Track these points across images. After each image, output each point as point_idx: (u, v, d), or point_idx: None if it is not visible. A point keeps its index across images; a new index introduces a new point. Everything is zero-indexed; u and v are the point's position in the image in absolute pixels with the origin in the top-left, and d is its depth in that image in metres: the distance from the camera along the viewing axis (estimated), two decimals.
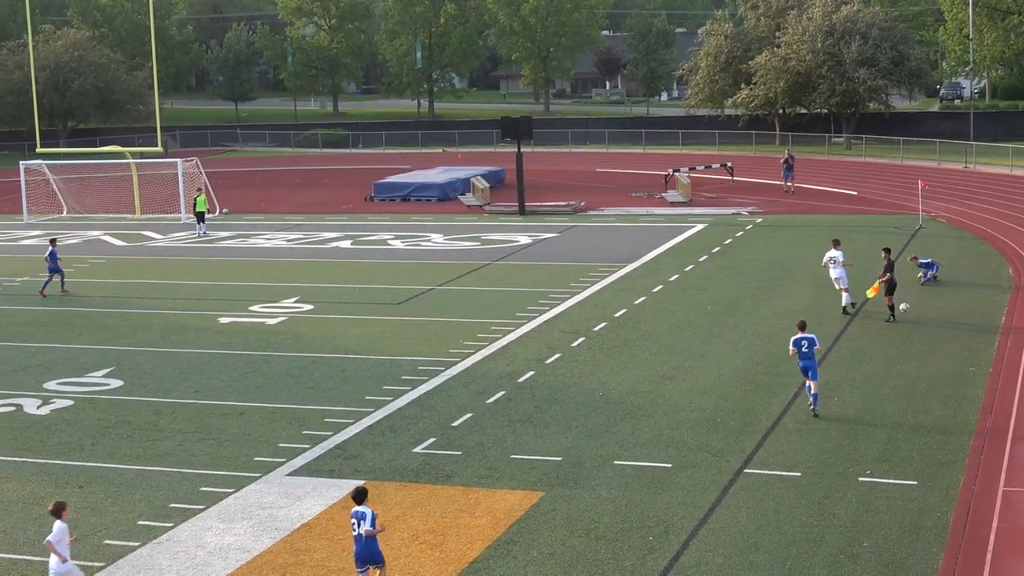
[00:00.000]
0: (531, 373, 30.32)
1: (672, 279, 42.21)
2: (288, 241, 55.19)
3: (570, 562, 19.21)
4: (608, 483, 22.47)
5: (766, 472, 22.77)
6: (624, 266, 45.11)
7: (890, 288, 34.56)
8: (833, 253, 36.34)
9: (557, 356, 31.92)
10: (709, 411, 26.73)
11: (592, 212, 61.68)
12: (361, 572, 17.98)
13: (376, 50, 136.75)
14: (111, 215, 67.43)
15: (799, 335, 26.88)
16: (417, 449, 24.78)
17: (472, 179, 69.06)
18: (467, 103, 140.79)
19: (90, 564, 19.69)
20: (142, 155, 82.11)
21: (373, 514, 17.80)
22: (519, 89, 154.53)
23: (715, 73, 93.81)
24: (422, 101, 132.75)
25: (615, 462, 23.61)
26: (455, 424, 26.33)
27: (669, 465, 23.33)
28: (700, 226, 55.08)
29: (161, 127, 73.40)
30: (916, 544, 19.41)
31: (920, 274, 40.05)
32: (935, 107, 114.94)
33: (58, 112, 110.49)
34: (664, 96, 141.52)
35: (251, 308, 39.73)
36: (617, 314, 36.83)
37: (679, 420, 26.14)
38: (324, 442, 25.45)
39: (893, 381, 28.61)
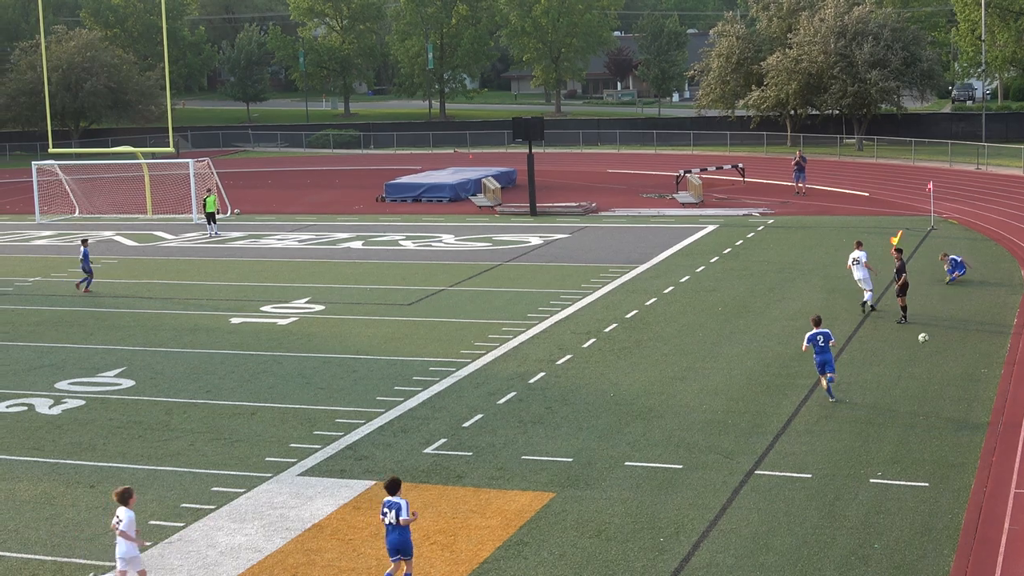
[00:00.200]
0: (542, 374, 30.32)
1: (683, 280, 42.18)
2: (299, 242, 55.25)
3: (581, 563, 19.21)
4: (619, 484, 22.46)
5: (777, 473, 22.75)
6: (635, 267, 45.09)
7: (903, 289, 34.50)
8: (857, 254, 36.23)
9: (568, 357, 31.92)
10: (720, 412, 26.71)
11: (603, 213, 61.67)
12: (394, 561, 18.14)
13: (387, 51, 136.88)
14: (123, 215, 67.59)
15: (814, 331, 27.32)
16: (428, 450, 24.80)
17: (483, 180, 69.10)
18: (478, 104, 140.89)
19: (102, 564, 19.74)
20: (154, 155, 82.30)
21: (407, 503, 17.98)
22: (530, 90, 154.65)
23: (727, 74, 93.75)
24: (433, 102, 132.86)
25: (626, 463, 23.60)
26: (466, 425, 26.34)
27: (680, 466, 23.32)
28: (711, 227, 55.04)
29: (173, 128, 73.53)
30: (927, 546, 19.37)
31: (948, 272, 40.15)
32: (947, 108, 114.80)
33: (70, 112, 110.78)
34: (675, 97, 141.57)
35: (262, 308, 39.78)
36: (628, 315, 36.82)
37: (690, 421, 26.13)
38: (335, 442, 25.47)
39: (904, 383, 28.57)
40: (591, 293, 40.40)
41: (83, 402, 29.18)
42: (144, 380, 31.06)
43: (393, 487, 18.15)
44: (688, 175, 67.82)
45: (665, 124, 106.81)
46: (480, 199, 67.38)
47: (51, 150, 72.73)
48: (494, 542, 20.05)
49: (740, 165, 73.32)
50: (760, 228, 54.37)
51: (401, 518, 17.81)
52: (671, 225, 56.45)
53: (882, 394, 27.71)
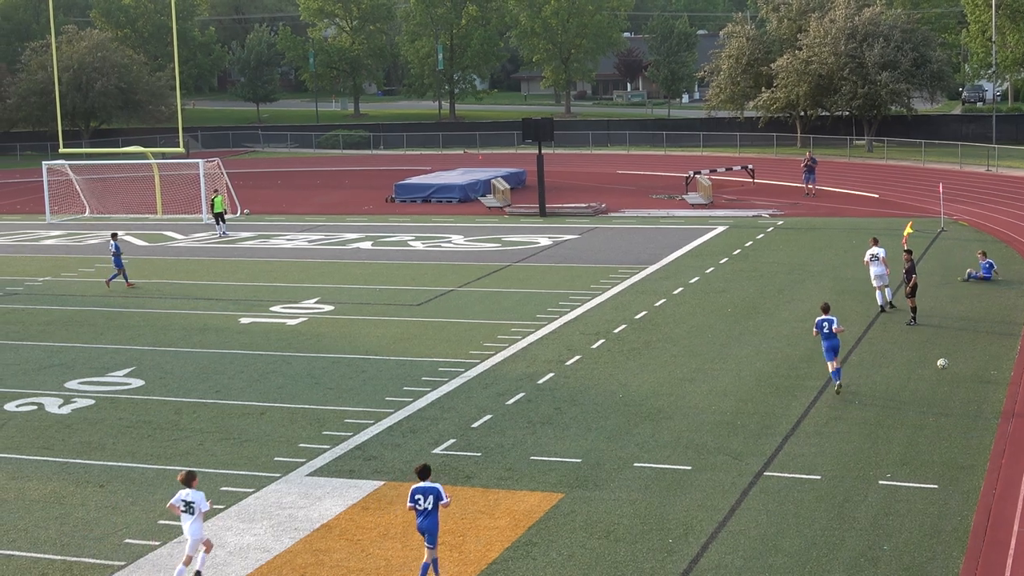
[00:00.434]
0: (551, 375, 30.32)
1: (692, 281, 42.16)
2: (309, 242, 55.30)
3: (589, 564, 19.20)
4: (628, 485, 22.46)
5: (786, 475, 22.73)
6: (644, 268, 45.08)
7: (912, 291, 34.46)
8: (875, 250, 36.20)
9: (577, 358, 31.92)
10: (729, 414, 26.69)
11: (613, 214, 61.65)
12: (429, 548, 18.40)
13: (397, 51, 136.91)
14: (133, 215, 67.69)
15: (821, 317, 28.13)
16: (437, 450, 24.80)
17: (493, 180, 69.11)
18: (488, 105, 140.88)
19: (111, 563, 19.77)
20: (164, 156, 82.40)
21: (442, 488, 18.46)
22: (540, 91, 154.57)
23: (736, 75, 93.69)
24: (443, 102, 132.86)
25: (635, 464, 23.59)
26: (475, 425, 26.35)
27: (689, 467, 23.31)
28: (721, 228, 55.01)
29: (183, 128, 73.63)
30: (936, 548, 19.35)
31: (981, 268, 40.41)
32: (957, 110, 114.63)
33: (81, 113, 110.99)
34: (685, 98, 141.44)
35: (272, 308, 39.83)
36: (637, 316, 36.81)
37: (699, 422, 26.11)
38: (344, 443, 25.49)
39: (914, 384, 28.54)
40: (600, 294, 40.40)
41: (93, 401, 29.23)
42: (153, 380, 31.10)
43: (425, 473, 18.54)
44: (698, 176, 67.78)
45: (675, 125, 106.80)
46: (490, 200, 67.39)
47: (61, 150, 72.83)
48: (503, 543, 20.05)
49: (750, 166, 73.26)
50: (770, 229, 54.33)
51: (442, 502, 18.25)
52: (681, 226, 56.42)
53: (891, 396, 27.68)
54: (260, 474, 23.71)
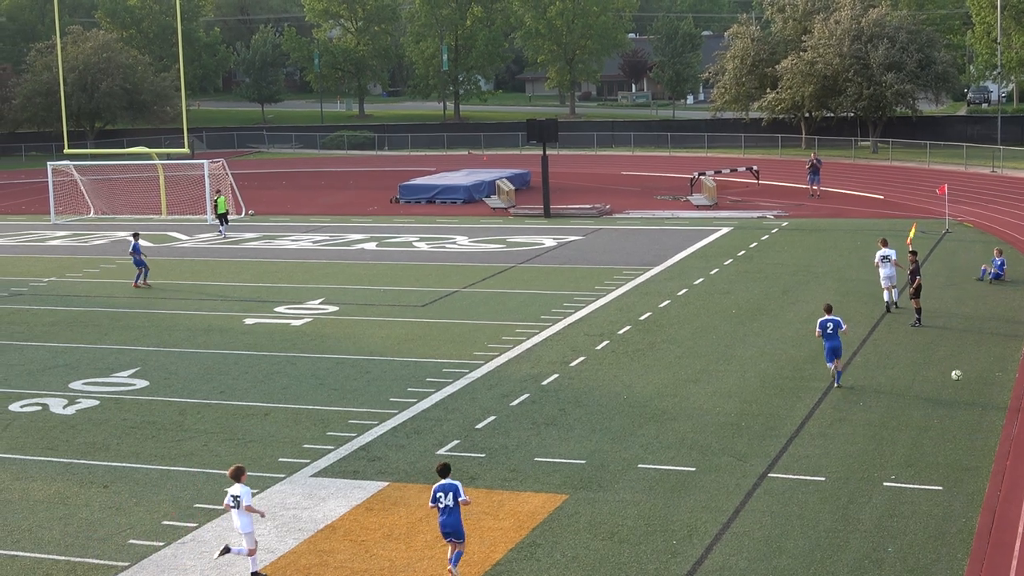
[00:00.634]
0: (555, 376, 30.31)
1: (697, 282, 42.15)
2: (313, 243, 55.32)
3: (593, 565, 19.19)
4: (632, 486, 22.45)
5: (790, 476, 22.71)
6: (649, 269, 45.06)
7: (917, 292, 34.43)
8: (887, 251, 36.32)
9: (581, 359, 31.91)
10: (733, 415, 26.68)
11: (617, 215, 61.64)
12: (450, 542, 18.71)
13: (402, 52, 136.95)
14: (138, 216, 67.71)
15: (825, 317, 28.50)
16: (441, 451, 24.79)
17: (497, 181, 69.11)
18: (493, 105, 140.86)
19: (115, 564, 19.78)
20: (169, 156, 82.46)
21: (461, 485, 18.81)
22: (545, 92, 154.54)
23: (741, 76, 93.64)
24: (448, 103, 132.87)
25: (639, 465, 23.58)
26: (479, 426, 26.34)
27: (693, 469, 23.30)
28: (725, 229, 54.98)
29: (188, 129, 73.69)
30: (941, 550, 19.32)
31: (994, 265, 40.55)
32: (962, 111, 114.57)
33: (86, 113, 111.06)
34: (690, 99, 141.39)
35: (276, 309, 39.84)
36: (642, 317, 36.80)
37: (703, 424, 26.10)
38: (348, 443, 25.49)
39: (919, 386, 28.51)
40: (605, 295, 40.38)
41: (97, 402, 29.25)
42: (158, 380, 31.12)
43: (445, 471, 18.93)
44: (702, 177, 67.76)
45: (679, 126, 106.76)
46: (494, 201, 67.39)
47: (66, 151, 72.90)
48: (507, 544, 20.04)
49: (754, 167, 73.22)
50: (774, 230, 54.30)
51: (460, 499, 18.54)
52: (685, 227, 56.40)
53: (896, 397, 27.65)
54: (264, 475, 23.70)
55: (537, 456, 24.28)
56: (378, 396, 29.02)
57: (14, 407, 29.07)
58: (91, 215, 68.86)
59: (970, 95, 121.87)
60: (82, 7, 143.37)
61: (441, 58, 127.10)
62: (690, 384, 29.27)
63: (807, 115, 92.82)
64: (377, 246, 53.40)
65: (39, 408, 28.94)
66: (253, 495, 19.44)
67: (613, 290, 41.21)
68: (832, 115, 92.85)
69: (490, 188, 70.07)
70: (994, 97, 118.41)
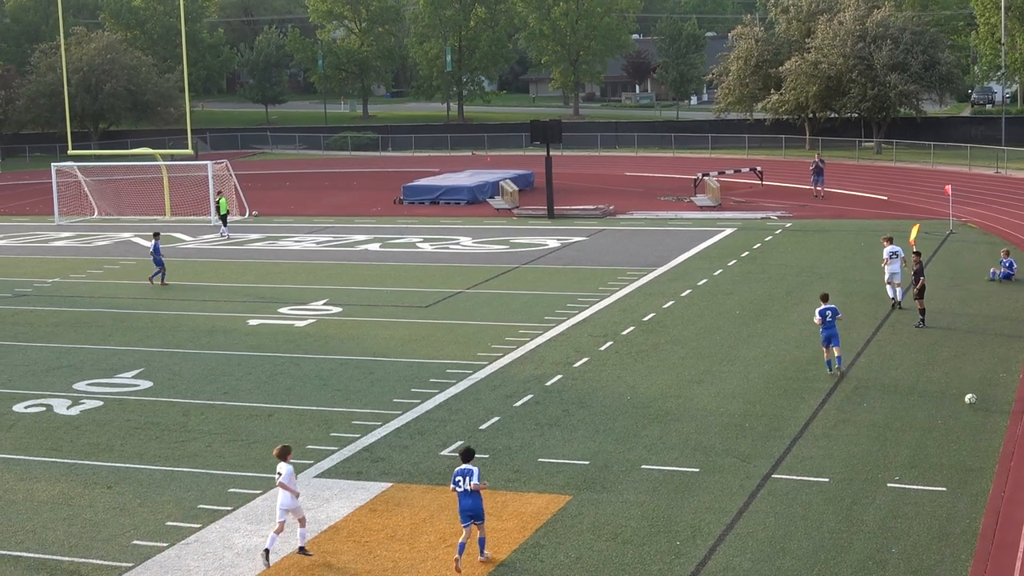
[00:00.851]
0: (559, 377, 30.31)
1: (701, 283, 42.13)
2: (317, 243, 55.34)
3: (597, 566, 19.19)
4: (635, 487, 22.44)
5: (794, 477, 22.70)
6: (653, 270, 45.05)
7: (920, 292, 34.42)
8: (895, 248, 36.51)
9: (585, 360, 31.90)
10: (737, 416, 26.67)
11: (621, 216, 61.62)
12: (465, 527, 19.27)
13: (406, 53, 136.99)
14: (141, 217, 67.75)
15: (823, 306, 29.48)
16: (445, 452, 24.80)
17: (501, 182, 69.11)
18: (496, 106, 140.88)
19: (118, 564, 19.79)
20: (172, 157, 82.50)
21: (479, 471, 19.44)
22: (548, 92, 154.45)
23: (745, 77, 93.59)
24: (451, 104, 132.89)
25: (642, 466, 23.58)
26: (483, 427, 26.34)
27: (696, 470, 23.29)
28: (729, 230, 54.96)
29: (192, 130, 73.68)
30: (945, 551, 19.31)
31: (1002, 266, 40.60)
32: (966, 112, 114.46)
33: (90, 114, 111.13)
34: (694, 100, 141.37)
35: (280, 310, 39.85)
36: (645, 318, 36.79)
37: (707, 425, 26.09)
38: (352, 444, 25.50)
39: (922, 387, 28.49)
40: (608, 296, 40.38)
41: (101, 403, 29.27)
42: (162, 381, 31.13)
43: (468, 455, 19.64)
44: (706, 178, 67.74)
45: (683, 127, 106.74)
46: (498, 202, 67.39)
47: (70, 152, 72.88)
48: (510, 544, 20.04)
49: (758, 168, 73.17)
50: (778, 231, 54.28)
51: (472, 483, 19.17)
52: (689, 228, 56.39)
53: (900, 398, 27.63)
54: (268, 475, 23.67)
55: (541, 457, 24.29)
56: (382, 397, 29.03)
57: (18, 408, 29.10)
58: (95, 216, 68.90)
59: (974, 96, 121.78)
60: (86, 8, 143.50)
61: (445, 59, 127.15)
62: (694, 385, 29.27)
63: (811, 116, 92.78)
64: (381, 247, 53.41)
65: (43, 409, 28.97)
66: (294, 472, 20.21)
67: (617, 291, 41.20)
68: (836, 116, 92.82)
69: (494, 189, 70.07)
70: (998, 98, 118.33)
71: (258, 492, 22.78)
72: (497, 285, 43.16)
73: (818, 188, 67.04)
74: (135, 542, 20.68)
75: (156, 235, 46.52)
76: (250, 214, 66.22)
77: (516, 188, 67.69)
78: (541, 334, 34.95)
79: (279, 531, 19.82)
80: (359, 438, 25.89)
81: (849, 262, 45.35)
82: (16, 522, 21.76)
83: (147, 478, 23.88)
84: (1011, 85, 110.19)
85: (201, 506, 22.20)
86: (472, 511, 19.22)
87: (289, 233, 59.14)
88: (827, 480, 22.48)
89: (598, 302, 39.39)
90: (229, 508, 22.04)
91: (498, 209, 65.77)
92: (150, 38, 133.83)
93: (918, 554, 19.21)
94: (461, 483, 19.28)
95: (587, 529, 20.58)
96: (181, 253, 54.03)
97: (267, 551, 19.62)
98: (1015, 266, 41.07)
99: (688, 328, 35.31)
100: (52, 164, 70.77)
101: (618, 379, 29.97)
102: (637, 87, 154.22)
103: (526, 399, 28.41)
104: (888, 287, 37.02)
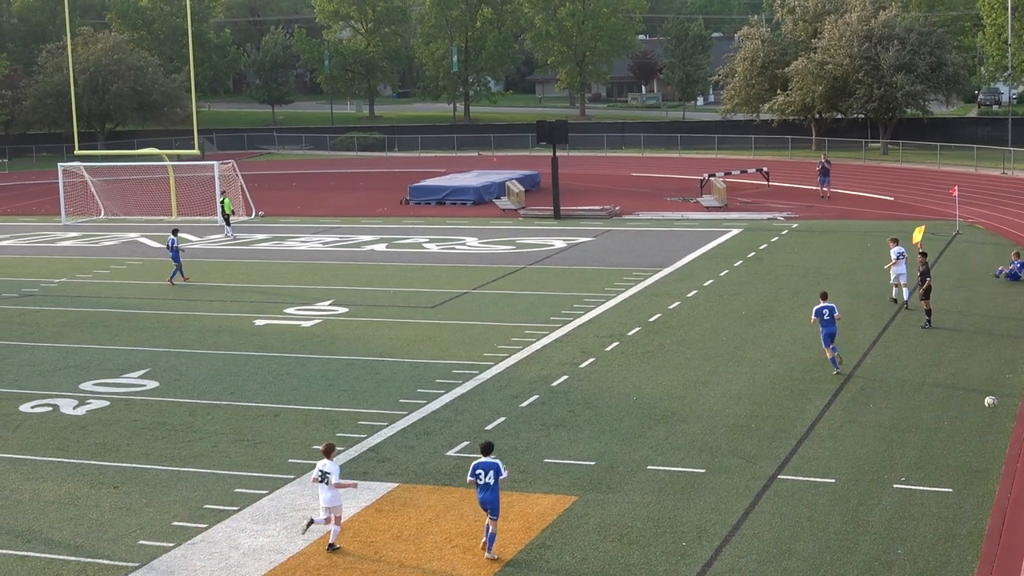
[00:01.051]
0: (565, 377, 30.31)
1: (707, 284, 42.12)
2: (323, 244, 55.37)
3: (602, 567, 19.20)
4: (641, 488, 22.44)
5: (800, 478, 22.70)
6: (659, 271, 45.04)
7: (927, 293, 34.39)
8: (900, 249, 36.70)
9: (591, 360, 31.90)
10: (743, 417, 26.66)
11: (627, 216, 61.60)
12: (493, 519, 19.66)
13: (412, 54, 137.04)
14: (148, 217, 67.83)
15: (820, 304, 29.62)
16: (451, 452, 24.82)
17: (507, 183, 69.08)
18: (503, 107, 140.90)
19: (125, 564, 19.82)
20: (179, 158, 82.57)
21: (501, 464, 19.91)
22: (555, 93, 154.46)
23: (751, 78, 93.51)
24: (458, 105, 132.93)
25: (648, 467, 23.58)
26: (489, 428, 26.35)
27: (702, 470, 23.29)
28: (735, 231, 54.94)
29: (198, 130, 73.70)
30: (951, 552, 19.30)
31: (1014, 266, 40.67)
32: (973, 113, 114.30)
33: (96, 115, 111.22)
34: (700, 101, 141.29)
35: (286, 310, 39.87)
36: (651, 319, 36.79)
37: (713, 425, 26.08)
38: (358, 444, 25.52)
39: (929, 388, 28.47)
40: (614, 296, 40.38)
41: (107, 403, 29.31)
42: (168, 381, 31.17)
43: (488, 449, 19.94)
44: (712, 179, 67.70)
45: (689, 128, 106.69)
46: (504, 202, 67.38)
47: (77, 152, 72.96)
48: (516, 545, 20.05)
49: (765, 169, 73.13)
50: (784, 232, 54.25)
51: (501, 476, 19.59)
52: (695, 229, 56.37)
53: (906, 399, 27.61)
54: (274, 476, 23.75)
55: (547, 457, 24.29)
56: (388, 397, 29.04)
57: (25, 408, 29.15)
58: (101, 216, 68.96)
59: (981, 97, 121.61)
60: (93, 8, 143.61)
61: (451, 59, 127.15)
62: (700, 386, 29.26)
63: (817, 117, 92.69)
64: (387, 247, 53.43)
65: (50, 409, 29.01)
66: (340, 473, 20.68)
67: (623, 291, 41.20)
68: (842, 117, 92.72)
69: (500, 189, 70.04)
70: (1005, 99, 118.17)
71: (264, 492, 22.80)
72: (503, 285, 43.17)
73: (824, 189, 66.98)
74: (141, 542, 20.71)
75: (175, 232, 47.02)
76: (256, 214, 66.26)
77: (522, 188, 67.69)
78: (547, 335, 34.96)
79: (328, 521, 20.30)
80: (365, 438, 25.92)
81: (855, 263, 45.31)
82: (22, 522, 21.80)
83: (153, 478, 23.91)
84: (1018, 86, 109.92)
85: (207, 506, 22.23)
86: (489, 505, 19.49)
87: (295, 233, 59.17)
88: (833, 481, 22.48)
89: (604, 303, 39.39)
90: (235, 508, 22.07)
91: (504, 210, 65.77)
92: (157, 38, 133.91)
93: (924, 555, 19.20)
94: (482, 476, 19.56)
95: (593, 530, 20.59)
96: (187, 253, 53.95)
97: (332, 544, 20.24)
98: (1017, 272, 41.01)
99: (694, 329, 35.31)
100: (59, 164, 70.87)
101: (624, 380, 29.97)
102: (643, 88, 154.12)
103: (532, 400, 28.41)
104: (894, 288, 37.19)
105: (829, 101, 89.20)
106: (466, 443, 25.27)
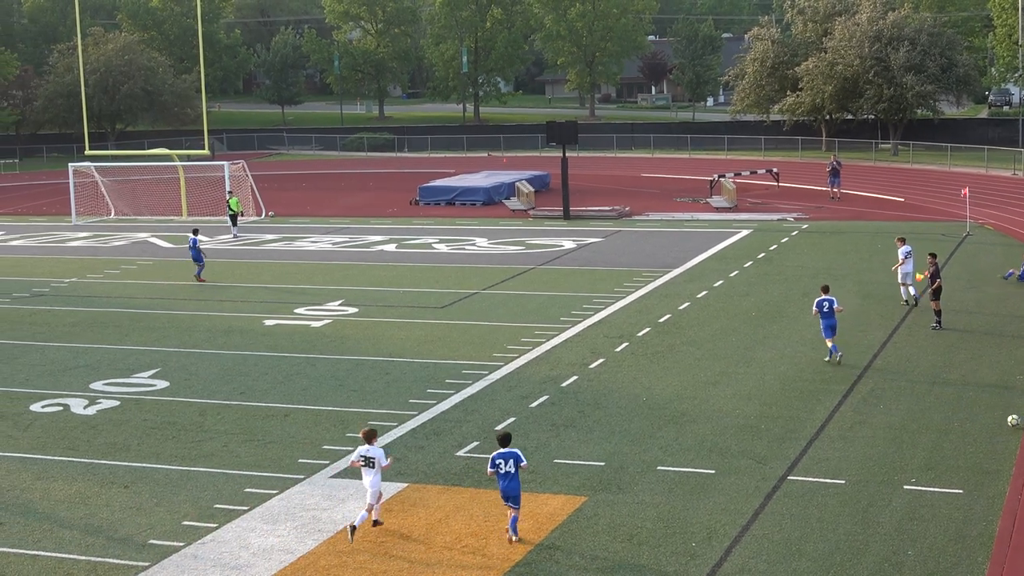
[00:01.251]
0: (574, 378, 30.31)
1: (717, 285, 42.09)
2: (333, 244, 55.41)
3: (612, 567, 19.19)
4: (651, 489, 22.43)
5: (810, 479, 22.67)
6: (669, 271, 45.02)
7: (936, 294, 34.35)
8: (908, 248, 36.89)
9: (601, 361, 31.89)
10: (753, 417, 26.63)
11: (637, 217, 61.60)
12: (511, 508, 20.12)
13: (422, 54, 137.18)
14: (158, 217, 67.94)
15: (822, 297, 30.35)
16: (460, 452, 24.82)
17: (517, 183, 69.10)
18: (512, 107, 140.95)
19: (135, 564, 19.84)
20: (189, 158, 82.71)
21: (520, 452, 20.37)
22: (564, 94, 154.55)
23: (762, 78, 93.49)
24: (467, 105, 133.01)
25: (658, 468, 23.56)
26: (498, 428, 26.32)
27: (712, 471, 23.27)
28: (745, 232, 54.90)
29: (208, 130, 73.82)
30: (961, 553, 19.27)
31: (1017, 271, 40.67)
32: (983, 113, 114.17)
33: (107, 115, 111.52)
34: (710, 101, 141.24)
35: (296, 311, 39.91)
36: (661, 319, 36.77)
37: (723, 426, 26.06)
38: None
39: (939, 389, 28.42)
40: (624, 297, 40.36)
41: (118, 403, 29.35)
42: (178, 381, 31.21)
43: (506, 440, 20.34)
44: (722, 179, 67.68)
45: (699, 128, 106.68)
46: (514, 203, 67.40)
47: (87, 152, 73.10)
48: (525, 545, 20.05)
49: (774, 170, 73.11)
50: (794, 233, 54.20)
51: (521, 464, 20.11)
52: (705, 229, 56.34)
53: (916, 400, 27.57)
54: (284, 475, 23.76)
55: (556, 458, 24.29)
56: (398, 397, 29.06)
57: (35, 407, 29.20)
58: (112, 216, 69.10)
59: (991, 98, 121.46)
60: (103, 9, 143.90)
61: (461, 60, 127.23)
62: (709, 386, 29.24)
63: (827, 117, 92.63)
64: (397, 248, 53.47)
65: (60, 408, 29.06)
66: (388, 456, 21.27)
67: (633, 292, 41.18)
68: (852, 117, 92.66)
69: (510, 190, 70.08)
70: (1015, 100, 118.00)
71: (274, 492, 22.82)
72: (513, 286, 43.17)
73: (834, 190, 66.95)
74: (151, 541, 20.74)
75: (195, 231, 47.45)
76: (266, 215, 66.34)
77: (532, 189, 67.71)
78: (557, 335, 34.96)
79: (369, 509, 20.62)
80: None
81: (865, 264, 45.26)
82: (33, 521, 21.83)
83: (163, 478, 23.94)
84: None
85: (217, 506, 22.25)
86: (511, 494, 19.92)
87: (305, 234, 59.23)
88: (843, 482, 22.45)
89: (614, 303, 39.38)
90: (245, 508, 22.09)
91: (514, 210, 65.78)
92: (167, 39, 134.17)
93: (934, 557, 19.17)
94: (502, 466, 20.01)
95: (603, 530, 20.58)
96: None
97: (377, 521, 20.89)
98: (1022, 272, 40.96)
99: (704, 329, 35.29)
100: (69, 164, 71.03)
101: (634, 380, 29.96)
102: (653, 88, 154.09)
103: (542, 400, 28.41)
104: (901, 288, 37.21)
105: (839, 102, 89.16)
106: (476, 443, 25.28)
